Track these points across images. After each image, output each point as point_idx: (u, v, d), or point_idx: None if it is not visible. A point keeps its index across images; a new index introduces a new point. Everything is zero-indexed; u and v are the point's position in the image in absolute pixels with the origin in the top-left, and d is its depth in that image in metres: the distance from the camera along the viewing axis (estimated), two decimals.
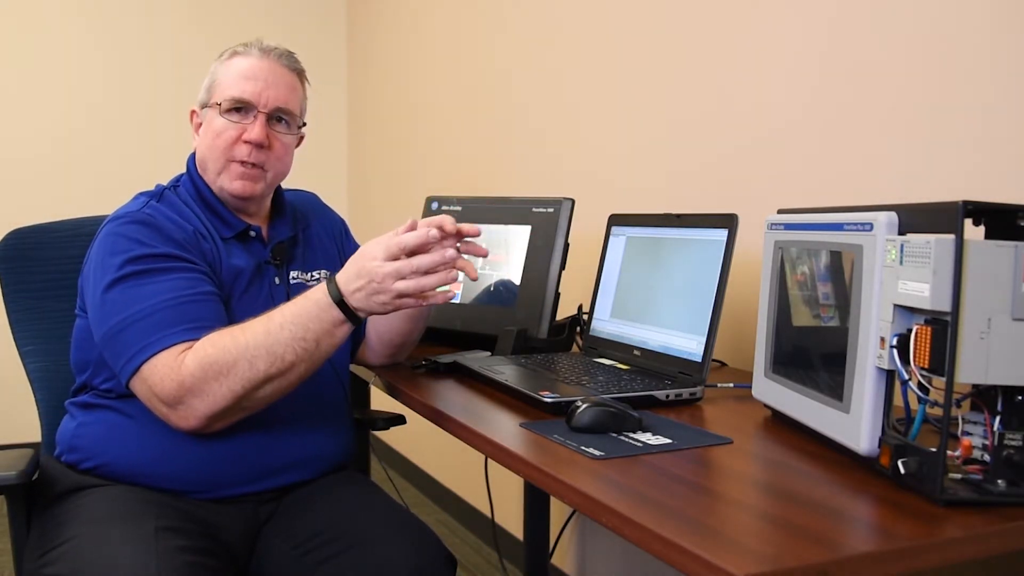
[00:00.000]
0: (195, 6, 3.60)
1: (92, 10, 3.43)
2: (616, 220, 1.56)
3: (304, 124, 1.40)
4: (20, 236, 1.46)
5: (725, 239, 1.27)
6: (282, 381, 1.16)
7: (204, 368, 1.13)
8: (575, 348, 1.66)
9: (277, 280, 1.36)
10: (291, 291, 1.37)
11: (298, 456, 1.31)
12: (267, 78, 1.32)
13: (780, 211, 1.18)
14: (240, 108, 1.32)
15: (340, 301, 1.15)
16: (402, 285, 1.12)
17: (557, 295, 1.62)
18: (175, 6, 3.57)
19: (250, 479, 1.26)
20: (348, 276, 1.15)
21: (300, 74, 1.39)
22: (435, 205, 1.95)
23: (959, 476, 0.80)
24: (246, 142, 1.31)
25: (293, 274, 1.40)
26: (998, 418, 0.80)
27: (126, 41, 3.49)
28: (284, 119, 1.35)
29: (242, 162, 1.31)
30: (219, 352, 1.13)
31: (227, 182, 1.32)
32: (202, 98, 1.37)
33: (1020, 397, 0.79)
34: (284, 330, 1.14)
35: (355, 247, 1.54)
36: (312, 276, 1.42)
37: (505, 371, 1.33)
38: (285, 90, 1.34)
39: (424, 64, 3.13)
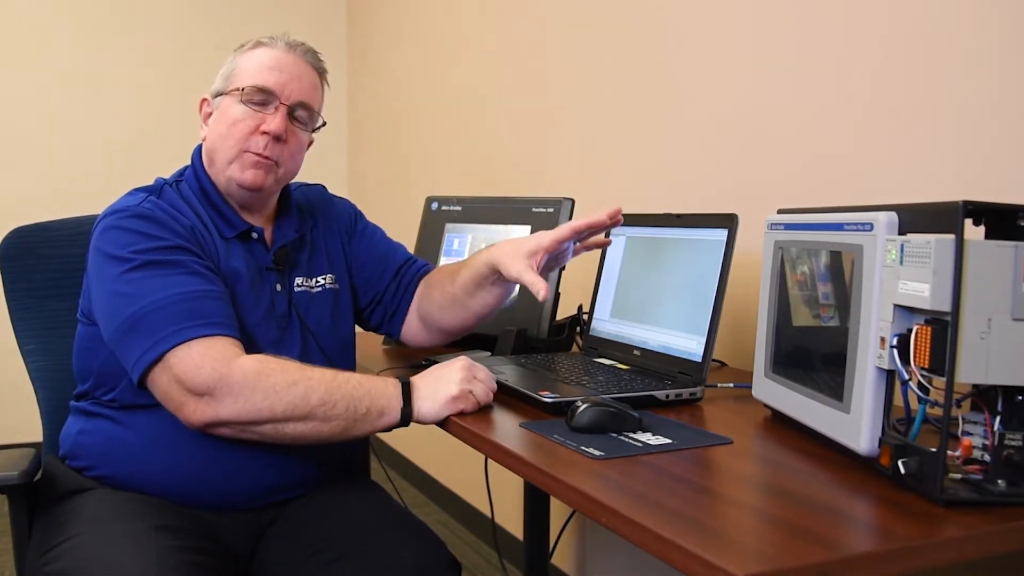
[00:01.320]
0: (195, 6, 3.60)
1: (92, 10, 3.43)
2: None
3: (323, 124, 1.37)
4: (22, 235, 1.46)
5: (725, 239, 1.27)
6: (316, 427, 1.11)
7: (260, 375, 1.09)
8: (575, 348, 1.66)
9: (279, 287, 1.32)
10: (293, 299, 1.33)
11: (301, 475, 1.29)
12: (292, 71, 1.29)
13: (780, 211, 1.18)
14: (261, 97, 1.27)
15: (406, 385, 1.14)
16: (479, 387, 1.15)
17: (557, 295, 1.63)
18: (175, 6, 3.57)
19: (251, 497, 1.26)
20: (424, 374, 1.18)
21: (323, 74, 1.35)
22: (435, 205, 1.95)
23: (959, 476, 0.80)
24: (264, 133, 1.26)
25: (298, 281, 1.35)
26: (998, 418, 0.80)
27: (126, 40, 3.49)
28: (303, 116, 1.31)
29: (256, 153, 1.27)
30: (280, 369, 1.11)
31: (237, 172, 1.27)
32: (218, 86, 1.31)
33: (1020, 397, 0.79)
34: (348, 384, 1.12)
35: (366, 227, 1.50)
36: (317, 283, 1.38)
37: (505, 371, 1.33)
38: (308, 86, 1.31)
39: (424, 64, 3.13)
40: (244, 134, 1.27)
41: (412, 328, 1.45)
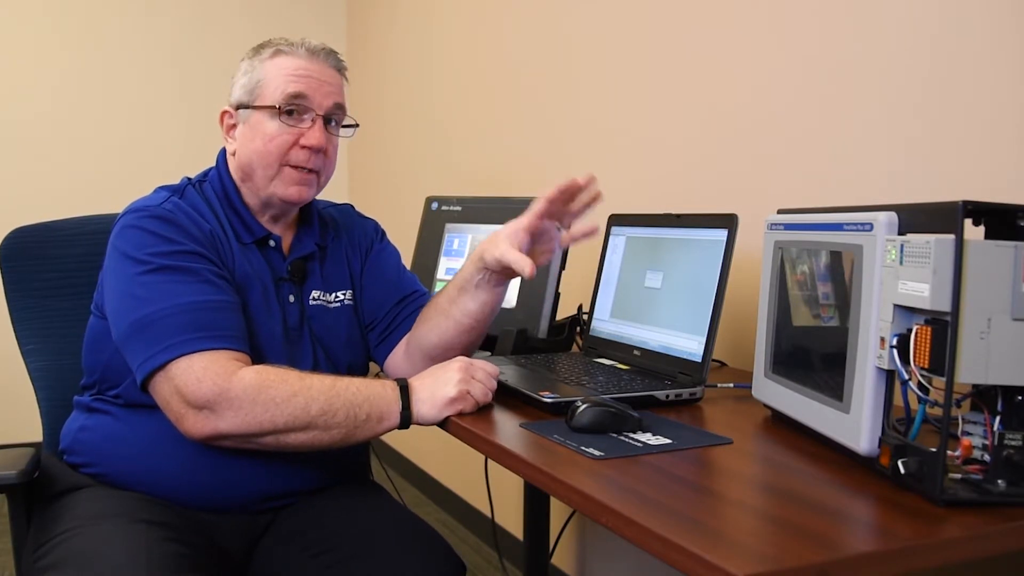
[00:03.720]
0: (195, 5, 3.60)
1: (93, 8, 3.43)
2: (616, 220, 1.56)
3: (356, 124, 1.34)
4: (22, 235, 1.46)
5: (725, 239, 1.27)
6: (317, 436, 1.11)
7: (260, 388, 1.09)
8: (575, 348, 1.66)
9: (292, 298, 1.31)
10: (306, 312, 1.32)
11: (301, 480, 1.29)
12: (320, 78, 1.27)
13: (780, 211, 1.18)
14: (293, 110, 1.25)
15: (404, 387, 1.14)
16: (477, 388, 1.13)
17: (557, 295, 1.63)
18: (176, 5, 3.57)
19: (250, 502, 1.25)
20: (422, 375, 1.17)
21: (344, 72, 1.33)
22: (435, 205, 1.95)
23: (959, 476, 0.80)
24: (304, 147, 1.25)
25: (315, 294, 1.34)
26: (998, 418, 0.80)
27: (127, 39, 3.49)
28: (334, 120, 1.30)
29: (298, 167, 1.26)
30: (280, 380, 1.10)
31: (281, 188, 1.26)
32: (241, 98, 1.28)
33: (1020, 397, 0.79)
34: (348, 390, 1.12)
35: (384, 248, 1.47)
36: (336, 298, 1.36)
37: (505, 371, 1.32)
38: (337, 90, 1.29)
39: (424, 64, 3.13)
40: (283, 149, 1.25)
41: (397, 357, 1.39)
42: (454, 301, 1.30)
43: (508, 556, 2.44)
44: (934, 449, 0.78)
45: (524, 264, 1.17)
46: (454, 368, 1.15)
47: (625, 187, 1.99)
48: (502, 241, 1.21)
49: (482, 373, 1.16)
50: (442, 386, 1.13)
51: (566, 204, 1.25)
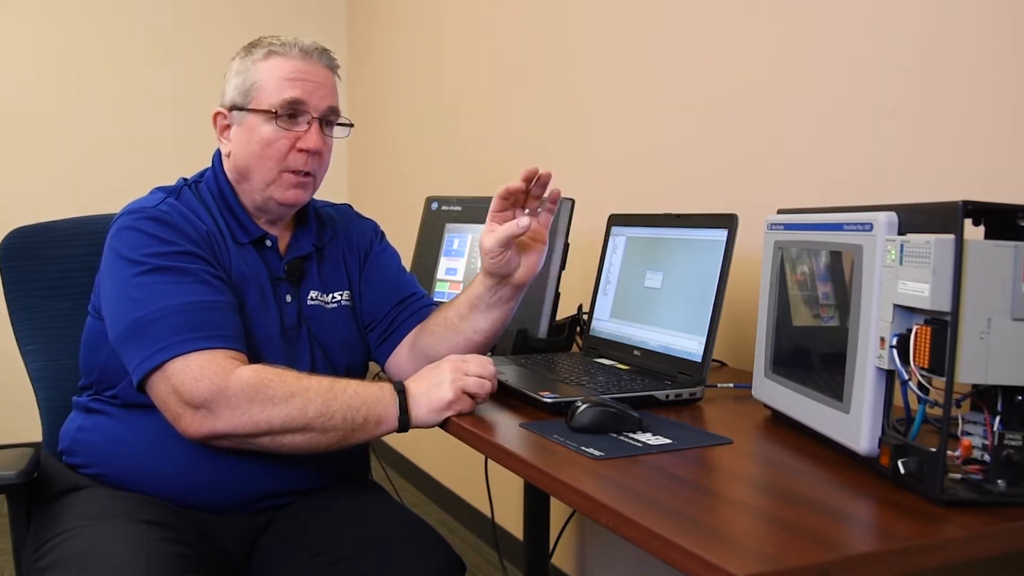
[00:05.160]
0: (195, 4, 3.60)
1: (90, 9, 3.43)
2: (616, 220, 1.55)
3: (351, 124, 1.34)
4: (22, 235, 1.46)
5: (725, 239, 1.27)
6: (314, 438, 1.10)
7: (258, 388, 1.08)
8: (575, 348, 1.66)
9: (289, 298, 1.30)
10: (304, 312, 1.31)
11: (299, 480, 1.29)
12: (315, 79, 1.26)
13: (780, 211, 1.18)
14: (290, 114, 1.24)
15: (402, 392, 1.13)
16: (472, 383, 1.12)
17: (557, 295, 1.63)
18: (175, 5, 3.57)
19: (249, 502, 1.25)
20: (416, 377, 1.16)
21: (336, 71, 1.32)
22: (435, 205, 1.95)
23: (959, 476, 0.80)
24: (301, 151, 1.25)
25: (312, 295, 1.33)
26: (998, 418, 0.80)
27: (125, 39, 3.49)
28: (331, 121, 1.29)
29: (295, 172, 1.26)
30: (278, 380, 1.10)
31: (279, 193, 1.26)
32: (235, 100, 1.27)
33: (1020, 397, 0.79)
34: (346, 393, 1.11)
35: (383, 249, 1.46)
36: (333, 298, 1.36)
37: (505, 371, 1.32)
38: (331, 91, 1.29)
39: (424, 64, 3.13)
40: (281, 154, 1.25)
41: (399, 358, 1.39)
42: (465, 318, 1.30)
43: (508, 556, 2.44)
44: (934, 449, 0.78)
45: (513, 224, 1.21)
46: (446, 368, 1.14)
47: (625, 187, 1.99)
48: (484, 237, 1.24)
49: (474, 367, 1.14)
50: (436, 388, 1.12)
51: (524, 192, 1.25)
